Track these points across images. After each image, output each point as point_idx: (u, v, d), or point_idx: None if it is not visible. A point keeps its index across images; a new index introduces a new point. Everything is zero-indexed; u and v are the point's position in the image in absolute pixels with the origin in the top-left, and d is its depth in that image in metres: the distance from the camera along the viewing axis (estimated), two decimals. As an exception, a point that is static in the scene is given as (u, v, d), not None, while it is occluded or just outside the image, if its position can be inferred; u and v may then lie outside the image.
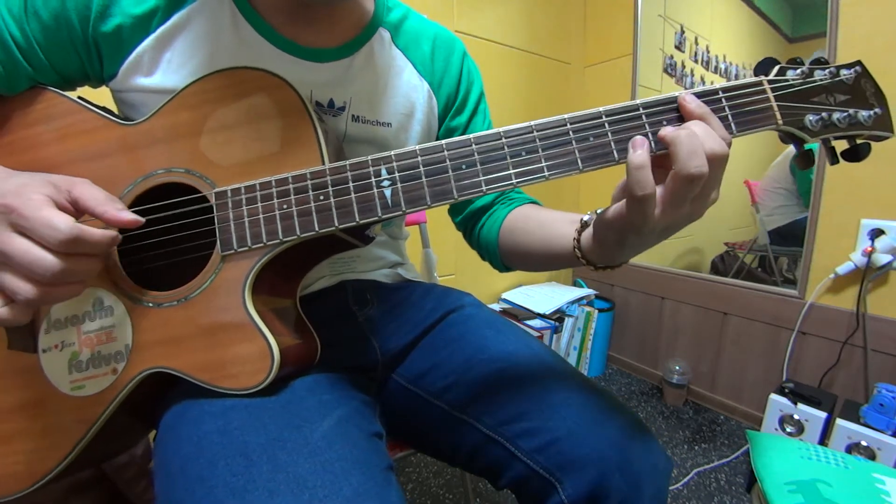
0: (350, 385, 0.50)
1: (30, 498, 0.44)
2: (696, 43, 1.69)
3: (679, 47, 1.69)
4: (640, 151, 0.35)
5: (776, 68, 0.40)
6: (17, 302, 0.35)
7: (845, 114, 0.39)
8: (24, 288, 0.34)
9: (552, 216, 0.53)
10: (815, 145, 0.41)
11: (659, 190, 0.35)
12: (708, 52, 1.68)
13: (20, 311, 0.36)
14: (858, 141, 0.41)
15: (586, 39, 1.91)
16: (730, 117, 0.38)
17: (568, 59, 1.87)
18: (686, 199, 0.35)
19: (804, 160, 0.41)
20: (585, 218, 0.46)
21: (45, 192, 0.35)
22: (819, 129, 0.39)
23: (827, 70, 0.39)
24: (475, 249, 0.68)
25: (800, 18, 1.47)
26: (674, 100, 0.38)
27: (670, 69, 1.70)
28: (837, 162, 0.41)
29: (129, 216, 0.37)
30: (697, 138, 0.34)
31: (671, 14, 1.68)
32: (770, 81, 0.39)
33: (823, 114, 0.39)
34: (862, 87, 0.40)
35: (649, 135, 0.38)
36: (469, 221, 0.66)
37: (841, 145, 0.41)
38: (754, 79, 0.39)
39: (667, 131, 0.36)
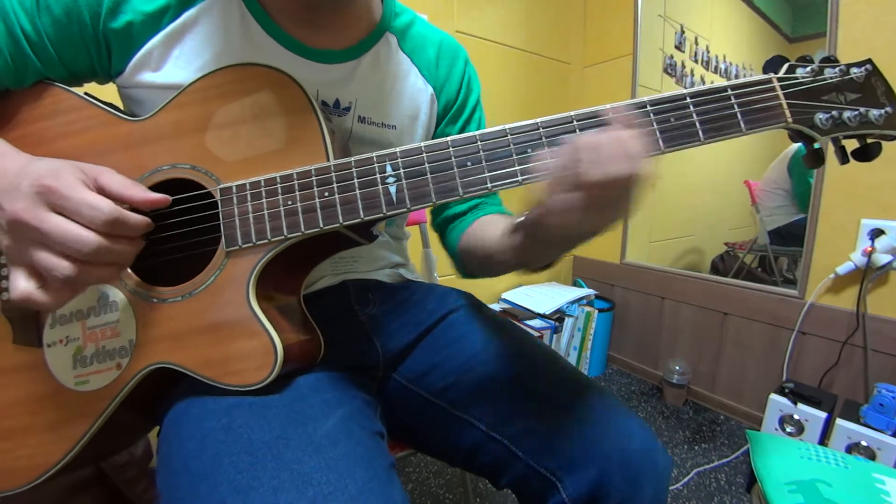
0: (352, 384, 0.50)
1: (31, 496, 0.43)
2: (696, 43, 1.69)
3: (679, 47, 1.69)
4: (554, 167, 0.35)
5: (785, 66, 0.40)
6: (52, 282, 0.35)
7: (856, 112, 0.38)
8: (61, 265, 0.34)
9: (507, 222, 0.52)
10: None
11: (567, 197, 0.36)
12: (708, 52, 1.69)
13: (55, 293, 0.36)
14: (869, 140, 0.40)
15: (586, 39, 1.92)
16: (738, 115, 0.38)
17: (568, 59, 1.88)
18: (611, 202, 0.35)
19: (813, 159, 0.41)
20: (517, 222, 0.45)
21: (77, 175, 0.36)
22: (829, 128, 0.39)
23: (837, 68, 0.39)
24: (447, 254, 0.68)
25: (800, 18, 1.47)
26: (682, 97, 0.38)
27: (670, 69, 1.70)
28: (848, 161, 0.40)
29: (157, 196, 0.39)
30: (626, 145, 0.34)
31: (671, 14, 1.68)
32: (780, 79, 0.39)
33: (834, 112, 0.38)
34: (873, 85, 0.39)
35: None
36: (443, 225, 0.67)
37: (851, 144, 0.41)
38: (763, 76, 0.39)
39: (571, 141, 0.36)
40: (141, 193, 0.38)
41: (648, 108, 0.38)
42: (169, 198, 0.40)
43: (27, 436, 0.43)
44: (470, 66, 0.66)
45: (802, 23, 1.46)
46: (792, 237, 1.43)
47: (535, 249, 0.45)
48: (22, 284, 0.35)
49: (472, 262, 0.60)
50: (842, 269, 1.20)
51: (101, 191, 0.37)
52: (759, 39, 1.60)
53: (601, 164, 0.33)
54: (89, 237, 0.34)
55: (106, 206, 0.35)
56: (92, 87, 0.49)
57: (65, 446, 0.42)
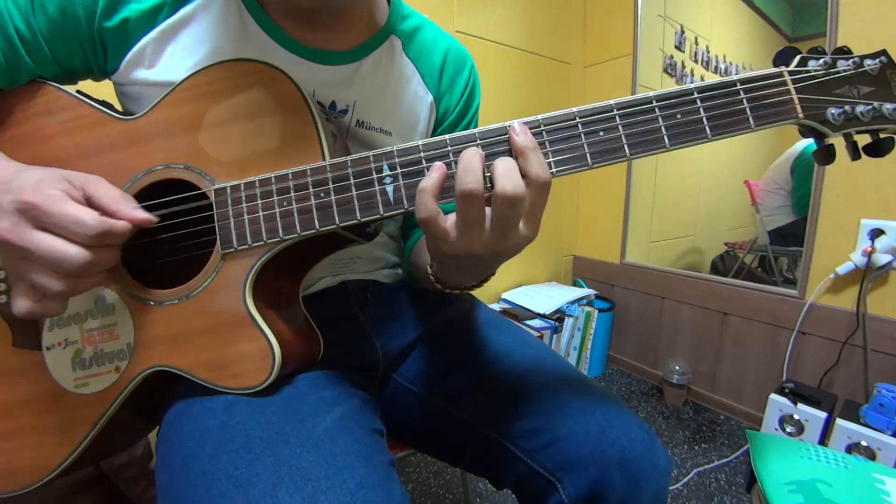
0: (351, 383, 0.50)
1: (31, 496, 0.44)
2: (696, 43, 1.69)
3: (679, 47, 1.69)
4: (433, 175, 0.36)
5: (797, 58, 0.38)
6: (49, 295, 0.36)
7: (869, 107, 0.36)
8: (52, 283, 0.35)
9: None
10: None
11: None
12: (708, 52, 1.69)
13: (55, 303, 0.37)
14: (882, 135, 0.38)
15: (586, 39, 1.91)
16: (748, 110, 0.37)
17: (568, 59, 1.87)
18: (476, 222, 0.35)
19: (824, 156, 0.39)
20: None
21: (61, 187, 0.35)
22: (841, 123, 0.37)
23: (851, 60, 0.37)
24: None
25: (800, 18, 1.47)
26: (689, 92, 0.37)
27: (670, 69, 1.70)
28: (859, 157, 0.39)
29: (142, 215, 0.38)
30: (477, 159, 0.35)
31: (671, 14, 1.68)
32: (791, 72, 0.37)
33: (846, 107, 0.37)
34: (887, 77, 0.37)
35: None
36: (405, 231, 0.67)
37: (862, 139, 0.39)
38: (774, 69, 0.38)
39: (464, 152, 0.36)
40: (129, 211, 0.37)
41: (654, 103, 0.37)
42: (155, 219, 0.39)
43: (29, 437, 0.43)
44: (475, 75, 0.65)
45: (802, 23, 1.46)
46: (792, 237, 1.43)
47: (441, 265, 0.45)
48: (21, 303, 0.36)
49: (413, 277, 0.60)
50: (842, 269, 1.20)
51: (90, 200, 0.37)
52: (759, 39, 1.60)
53: (457, 178, 0.34)
54: (76, 253, 0.34)
55: (90, 219, 0.34)
56: (88, 86, 0.49)
57: (66, 448, 0.42)
